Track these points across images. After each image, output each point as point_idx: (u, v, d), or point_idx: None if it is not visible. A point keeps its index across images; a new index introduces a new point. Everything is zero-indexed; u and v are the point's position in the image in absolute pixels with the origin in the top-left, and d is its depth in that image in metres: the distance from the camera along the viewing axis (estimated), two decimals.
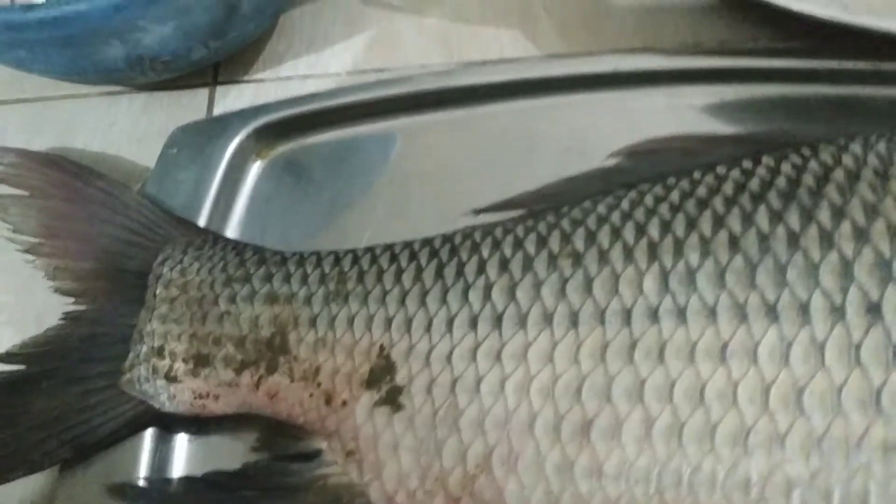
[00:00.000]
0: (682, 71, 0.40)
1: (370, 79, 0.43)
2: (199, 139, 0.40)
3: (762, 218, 0.29)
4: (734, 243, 0.29)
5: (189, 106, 0.44)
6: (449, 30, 0.45)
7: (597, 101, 0.40)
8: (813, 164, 0.31)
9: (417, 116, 0.41)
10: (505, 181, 0.37)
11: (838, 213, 0.28)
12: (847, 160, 0.31)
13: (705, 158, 0.34)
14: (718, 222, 0.30)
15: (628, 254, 0.30)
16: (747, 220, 0.29)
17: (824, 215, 0.28)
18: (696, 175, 0.33)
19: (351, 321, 0.32)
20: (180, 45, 0.39)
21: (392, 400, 0.30)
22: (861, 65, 0.39)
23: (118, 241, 0.36)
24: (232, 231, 0.39)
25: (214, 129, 0.40)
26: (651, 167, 0.35)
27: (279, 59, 0.46)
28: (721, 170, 0.33)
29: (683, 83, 0.40)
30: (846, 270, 0.27)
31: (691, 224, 0.30)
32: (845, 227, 0.28)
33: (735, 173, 0.32)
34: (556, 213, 0.33)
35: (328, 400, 0.32)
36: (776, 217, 0.29)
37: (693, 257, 0.29)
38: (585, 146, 0.39)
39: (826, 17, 0.36)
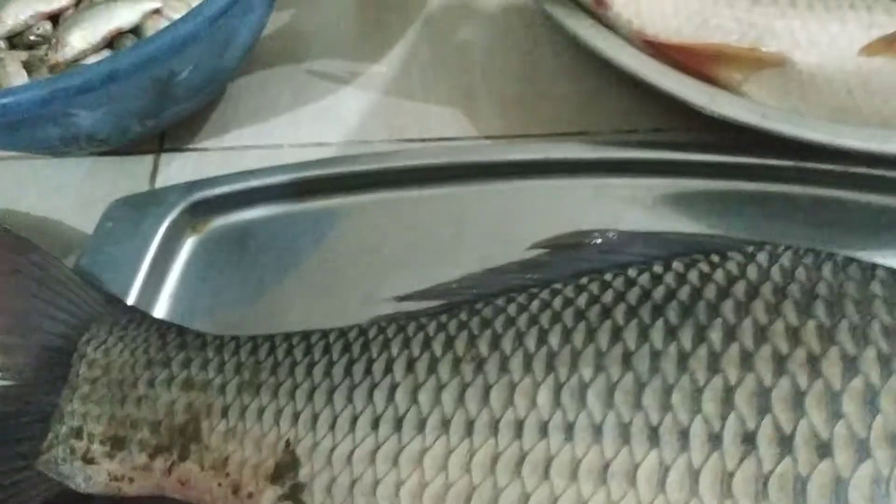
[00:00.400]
0: (611, 161, 0.41)
1: (311, 153, 0.44)
2: (135, 213, 0.40)
3: (657, 334, 0.30)
4: (627, 359, 0.29)
5: (134, 172, 0.45)
6: (392, 106, 0.46)
7: (526, 189, 0.41)
8: (718, 275, 0.32)
9: (351, 197, 0.42)
10: (431, 266, 0.38)
11: (729, 335, 0.29)
12: (751, 272, 0.32)
13: (621, 256, 0.35)
14: (616, 335, 0.30)
15: (527, 363, 0.30)
16: (643, 334, 0.30)
17: (716, 336, 0.29)
18: (608, 277, 0.34)
19: (261, 413, 0.33)
20: (115, 126, 0.39)
21: (294, 496, 0.31)
22: (783, 163, 0.39)
23: (47, 318, 0.37)
24: (162, 305, 0.40)
25: (151, 202, 0.41)
26: (568, 262, 0.36)
27: (224, 129, 0.46)
28: (632, 273, 0.34)
29: (612, 174, 0.41)
30: (727, 397, 0.27)
31: (591, 335, 0.31)
32: (733, 350, 0.28)
33: (644, 278, 0.33)
34: (469, 310, 0.34)
35: (235, 491, 0.32)
36: (670, 334, 0.30)
37: (587, 372, 0.29)
38: (512, 234, 0.39)
39: (743, 121, 0.37)
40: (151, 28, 0.43)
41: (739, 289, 0.31)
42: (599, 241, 0.36)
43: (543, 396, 0.29)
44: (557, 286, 0.34)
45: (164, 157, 0.46)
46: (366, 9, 0.51)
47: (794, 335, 0.28)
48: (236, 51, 0.41)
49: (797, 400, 0.27)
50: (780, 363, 0.28)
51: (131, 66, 0.36)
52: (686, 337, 0.29)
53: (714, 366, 0.28)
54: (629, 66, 0.39)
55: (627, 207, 0.40)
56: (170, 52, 0.36)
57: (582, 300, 0.33)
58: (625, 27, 0.39)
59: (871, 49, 0.37)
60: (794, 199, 0.40)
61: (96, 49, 0.43)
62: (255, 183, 0.41)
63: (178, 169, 0.45)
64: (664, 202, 0.40)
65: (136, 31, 0.44)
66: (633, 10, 0.39)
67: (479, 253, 0.38)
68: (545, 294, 0.34)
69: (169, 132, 0.46)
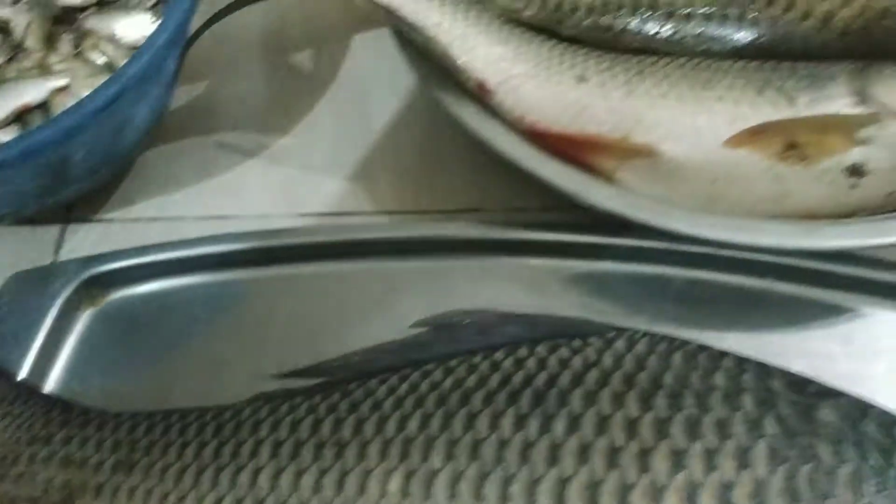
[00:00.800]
0: (494, 241, 0.42)
1: (212, 226, 0.46)
2: (31, 288, 0.42)
3: (508, 422, 0.31)
4: (476, 448, 0.31)
5: (40, 241, 0.46)
6: (293, 180, 0.47)
7: (413, 267, 0.43)
8: (576, 361, 0.34)
9: (242, 272, 0.43)
10: (317, 342, 0.40)
11: (572, 426, 0.30)
12: (606, 359, 0.33)
13: (495, 337, 0.37)
14: (470, 422, 0.32)
15: (384, 448, 0.32)
16: (495, 422, 0.31)
17: (560, 426, 0.30)
18: (476, 360, 0.35)
19: (132, 493, 0.34)
20: (11, 205, 0.41)
21: None
22: (658, 245, 0.41)
23: None
24: (54, 379, 0.41)
25: (47, 277, 0.42)
26: (446, 342, 0.37)
27: (131, 200, 0.48)
28: (499, 356, 0.35)
29: (496, 254, 0.42)
30: (561, 490, 0.28)
31: (447, 421, 0.32)
32: (572, 442, 0.30)
33: (508, 362, 0.35)
34: (342, 392, 0.35)
35: None
36: (519, 422, 0.31)
37: (437, 459, 0.31)
38: (397, 312, 0.41)
39: (609, 209, 0.38)
40: (59, 104, 0.44)
41: (592, 377, 0.32)
42: (477, 321, 0.38)
43: (395, 483, 0.30)
44: (429, 367, 0.35)
45: (71, 227, 0.47)
46: (275, 81, 0.52)
47: (631, 427, 0.30)
48: (134, 131, 0.43)
49: (624, 494, 0.28)
50: (613, 456, 0.29)
51: (16, 156, 0.37)
52: (533, 426, 0.31)
53: (553, 457, 0.29)
54: (507, 153, 0.40)
55: (510, 287, 0.42)
56: (55, 143, 0.37)
57: (447, 384, 0.34)
58: (507, 114, 0.41)
59: (734, 141, 0.38)
60: (667, 280, 0.41)
61: (4, 124, 0.44)
62: (148, 258, 0.42)
63: (82, 239, 0.46)
64: (545, 282, 0.42)
65: (45, 105, 0.45)
66: (513, 98, 0.41)
67: (364, 330, 0.39)
68: (416, 376, 0.35)
69: (77, 202, 0.47)
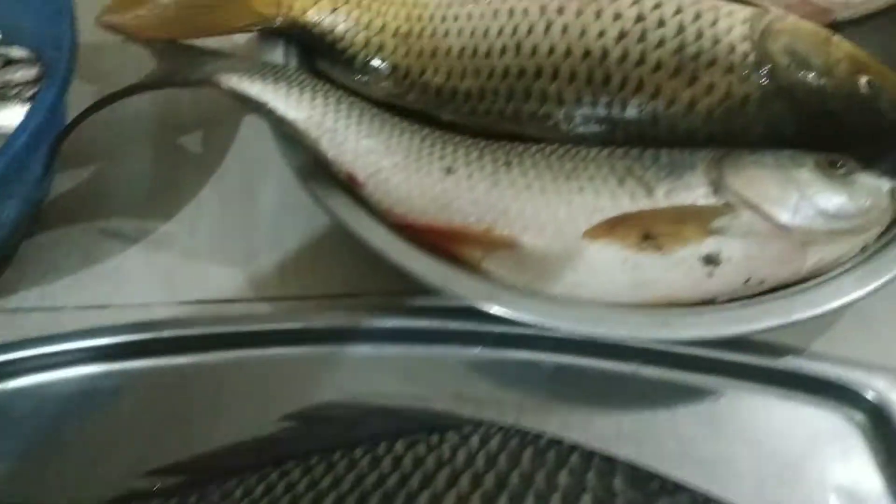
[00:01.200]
0: (370, 329, 0.43)
1: (91, 316, 0.46)
2: None
3: None
4: None
5: None
6: (176, 268, 0.48)
7: (292, 355, 0.43)
8: (430, 460, 0.34)
9: (119, 364, 0.43)
10: (190, 437, 0.40)
11: None
12: (459, 457, 0.34)
13: (360, 430, 0.37)
14: None
15: None
16: None
17: None
18: (335, 457, 0.36)
19: None
20: None
21: None
22: (528, 331, 0.42)
23: None
24: None
25: None
26: (312, 436, 0.38)
27: (11, 289, 0.47)
28: (358, 453, 0.36)
29: (372, 341, 0.43)
30: None
31: None
32: None
33: (365, 461, 0.35)
34: (200, 492, 0.36)
35: None
36: None
37: None
38: (272, 402, 0.41)
39: (471, 302, 0.39)
40: None
41: (442, 477, 0.33)
42: (344, 415, 0.38)
43: None
44: (288, 466, 0.36)
45: None
46: (163, 165, 0.53)
47: None
48: (4, 228, 0.43)
49: None
50: None
51: None
52: None
53: None
54: (375, 246, 0.41)
55: (384, 376, 0.42)
56: None
57: (302, 485, 0.34)
58: (376, 206, 0.42)
59: (592, 233, 0.39)
60: (537, 365, 0.42)
61: None
62: (20, 354, 0.42)
63: None
64: (419, 370, 0.43)
65: None
66: (383, 190, 0.42)
67: (238, 422, 0.39)
68: (274, 476, 0.35)
69: None
